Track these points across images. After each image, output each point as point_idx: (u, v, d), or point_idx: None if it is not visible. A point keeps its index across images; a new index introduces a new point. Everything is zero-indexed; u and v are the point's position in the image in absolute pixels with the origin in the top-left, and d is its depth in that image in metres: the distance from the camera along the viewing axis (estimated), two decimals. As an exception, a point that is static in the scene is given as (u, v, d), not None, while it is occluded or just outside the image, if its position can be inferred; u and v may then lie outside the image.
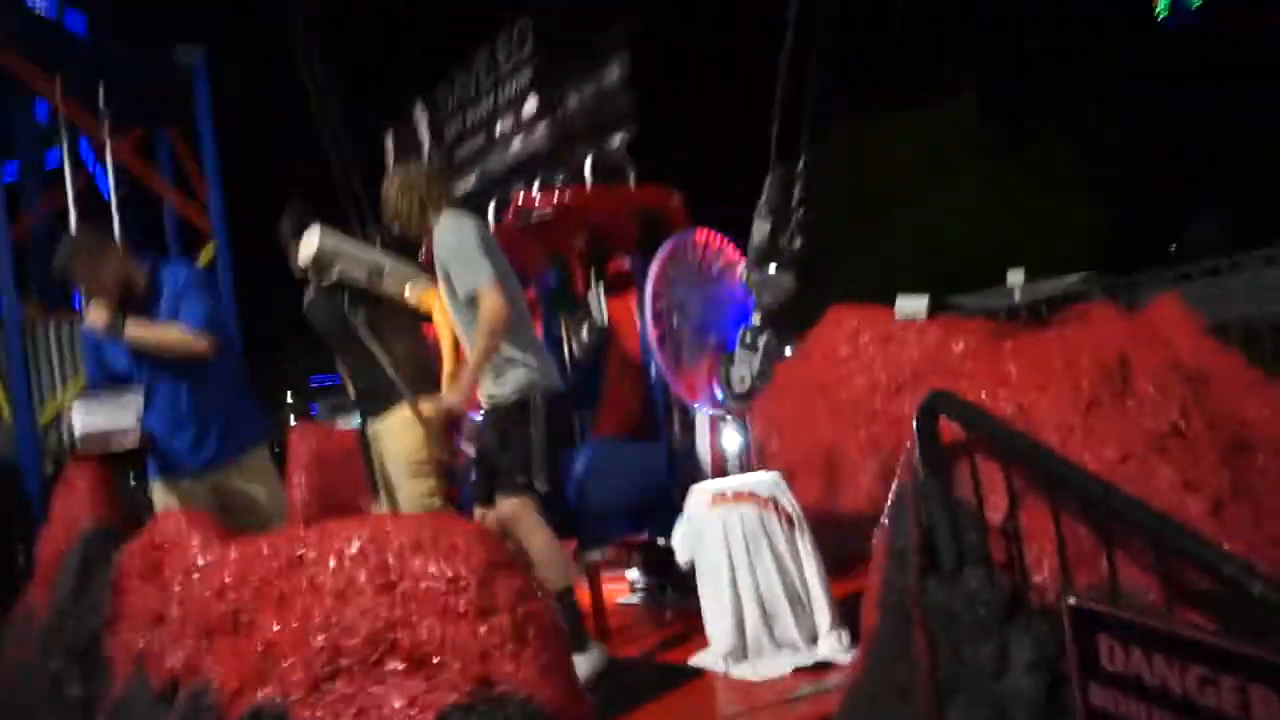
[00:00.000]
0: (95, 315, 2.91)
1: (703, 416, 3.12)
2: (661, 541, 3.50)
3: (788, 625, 2.67)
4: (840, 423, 4.94)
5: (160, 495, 3.12)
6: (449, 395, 2.81)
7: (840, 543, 3.88)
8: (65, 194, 7.88)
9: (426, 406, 2.85)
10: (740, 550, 2.69)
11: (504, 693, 1.43)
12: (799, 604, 2.70)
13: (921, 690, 1.78)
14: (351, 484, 4.55)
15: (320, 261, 2.91)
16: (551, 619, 1.58)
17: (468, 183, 4.84)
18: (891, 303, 4.98)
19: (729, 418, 3.02)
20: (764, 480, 2.82)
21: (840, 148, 18.54)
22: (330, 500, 4.53)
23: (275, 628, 1.64)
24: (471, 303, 2.68)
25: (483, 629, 1.47)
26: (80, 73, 7.67)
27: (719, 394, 2.98)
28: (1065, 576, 1.56)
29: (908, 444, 1.90)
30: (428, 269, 3.10)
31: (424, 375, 3.07)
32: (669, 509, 3.27)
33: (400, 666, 1.47)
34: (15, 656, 2.81)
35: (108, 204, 8.21)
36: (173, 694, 1.92)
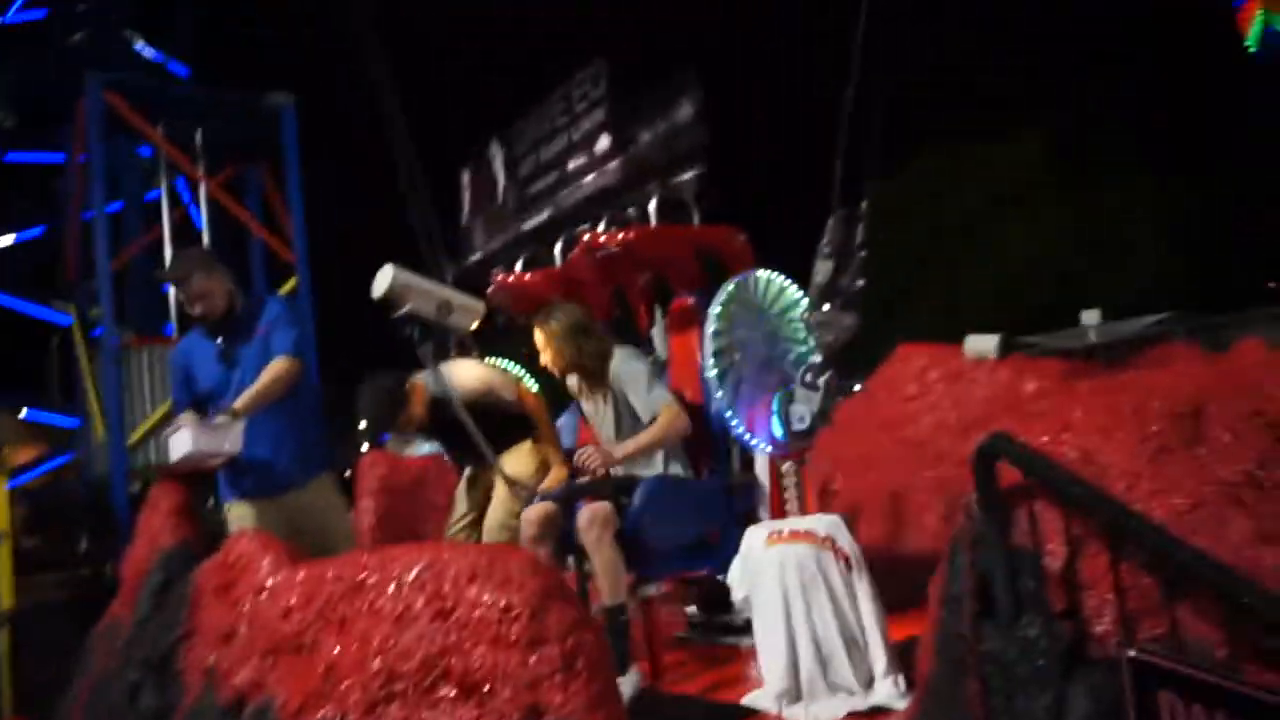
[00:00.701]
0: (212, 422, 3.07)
1: (762, 455, 3.11)
2: (719, 578, 3.49)
3: (843, 668, 2.62)
4: (906, 462, 4.84)
5: (234, 516, 3.27)
6: (597, 454, 3.12)
7: (905, 585, 3.80)
8: (162, 227, 8.41)
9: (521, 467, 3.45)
10: (796, 590, 2.65)
11: (551, 722, 1.45)
12: (855, 646, 2.65)
13: (978, 741, 1.74)
14: (417, 511, 4.66)
15: (391, 297, 3.04)
16: (601, 651, 1.59)
17: (540, 217, 4.97)
18: (960, 342, 4.90)
19: (788, 459, 3.01)
20: (822, 520, 2.79)
21: (909, 185, 18.34)
22: (397, 526, 4.64)
23: (336, 650, 1.70)
24: (651, 419, 3.14)
25: (533, 658, 1.50)
26: (180, 116, 8.22)
27: (778, 432, 2.97)
28: (1127, 628, 1.51)
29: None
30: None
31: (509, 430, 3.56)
32: (726, 546, 3.26)
33: (452, 693, 1.51)
34: (101, 665, 2.94)
35: (200, 237, 8.73)
36: (239, 710, 1.99)
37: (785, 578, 2.66)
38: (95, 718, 2.68)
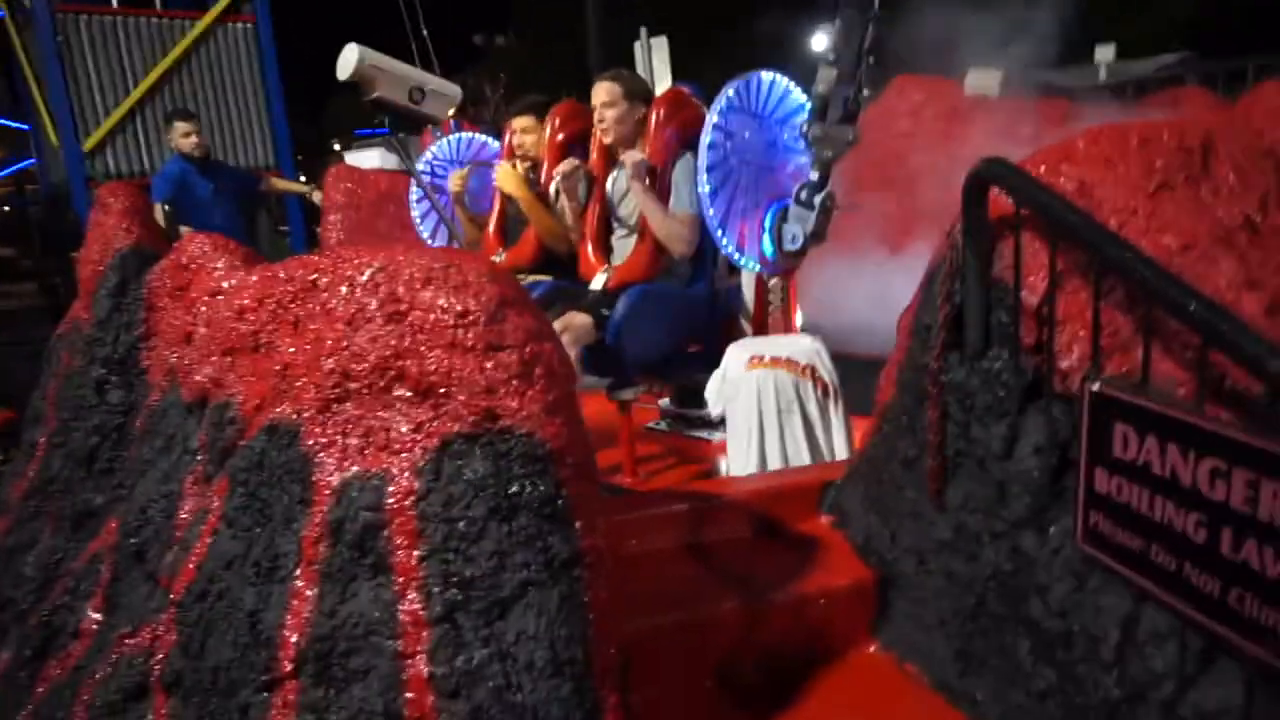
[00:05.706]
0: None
1: (749, 271, 3.00)
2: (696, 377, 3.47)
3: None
4: (890, 199, 4.75)
5: None
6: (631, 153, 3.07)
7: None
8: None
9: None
10: (772, 414, 2.66)
11: (507, 426, 1.45)
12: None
13: (927, 463, 1.80)
14: (384, 227, 4.54)
15: (357, 80, 2.73)
16: (562, 361, 1.57)
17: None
18: (961, 76, 4.61)
19: (776, 277, 2.90)
20: (804, 347, 2.74)
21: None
22: (362, 241, 4.54)
23: (291, 350, 1.66)
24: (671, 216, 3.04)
25: (489, 364, 1.46)
26: None
27: (769, 251, 2.83)
28: (1095, 363, 1.49)
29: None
30: None
31: None
32: (708, 352, 3.20)
33: (407, 394, 1.49)
34: (67, 363, 2.96)
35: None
36: (202, 406, 2.00)
37: (762, 402, 2.66)
38: (66, 410, 2.72)
